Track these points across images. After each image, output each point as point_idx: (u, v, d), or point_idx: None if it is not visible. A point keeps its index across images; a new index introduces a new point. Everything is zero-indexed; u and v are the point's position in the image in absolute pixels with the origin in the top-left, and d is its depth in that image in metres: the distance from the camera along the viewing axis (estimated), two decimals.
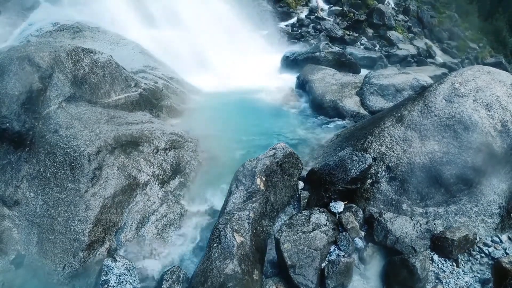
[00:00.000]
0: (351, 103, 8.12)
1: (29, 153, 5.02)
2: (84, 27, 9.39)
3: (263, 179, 4.83)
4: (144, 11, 11.01)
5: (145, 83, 7.21)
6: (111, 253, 4.53)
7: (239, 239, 4.00)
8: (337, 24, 17.15)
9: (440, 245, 4.34)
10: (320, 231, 4.28)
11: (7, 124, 4.95)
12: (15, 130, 4.97)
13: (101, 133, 5.29)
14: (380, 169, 5.05)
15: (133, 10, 10.82)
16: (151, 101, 6.97)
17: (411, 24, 19.25)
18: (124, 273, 4.00)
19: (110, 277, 3.93)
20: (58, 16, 9.56)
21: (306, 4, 18.61)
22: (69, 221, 4.59)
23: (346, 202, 4.85)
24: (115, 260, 4.07)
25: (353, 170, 4.74)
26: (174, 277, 4.07)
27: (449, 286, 4.11)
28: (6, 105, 4.97)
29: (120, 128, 5.62)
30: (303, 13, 17.87)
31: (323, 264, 4.09)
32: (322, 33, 16.07)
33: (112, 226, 4.75)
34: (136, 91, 6.76)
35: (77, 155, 4.92)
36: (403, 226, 4.44)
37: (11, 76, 5.13)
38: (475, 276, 4.20)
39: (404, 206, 4.78)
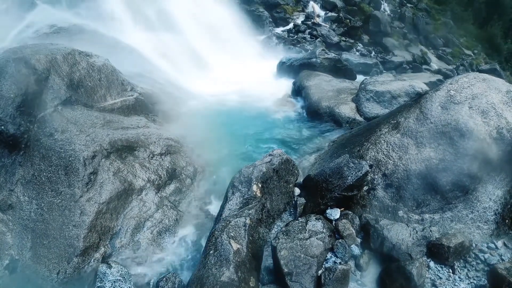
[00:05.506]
0: (347, 110, 8.13)
1: (24, 157, 4.97)
2: (81, 30, 9.35)
3: (260, 185, 4.82)
4: (142, 15, 11.01)
5: (141, 87, 7.19)
6: (106, 259, 4.49)
7: (235, 246, 3.97)
8: (333, 30, 17.27)
9: (436, 251, 4.36)
10: (316, 238, 4.27)
11: (2, 127, 4.90)
12: (10, 133, 4.93)
13: (97, 138, 5.26)
14: (376, 176, 5.06)
15: (130, 13, 10.81)
16: (147, 105, 6.94)
17: (406, 31, 19.41)
18: (119, 279, 3.96)
19: (105, 283, 3.89)
20: (55, 18, 9.52)
21: (303, 10, 18.71)
22: (64, 226, 4.54)
23: (343, 209, 4.85)
24: (110, 266, 4.03)
25: (349, 177, 4.74)
26: (169, 284, 4.05)
27: None
28: (1, 107, 4.93)
29: (116, 132, 5.59)
30: (300, 19, 17.96)
31: (320, 271, 4.09)
32: (318, 39, 16.17)
33: (107, 231, 4.70)
34: (132, 95, 6.73)
35: (72, 159, 4.88)
36: (400, 233, 4.45)
37: (6, 78, 5.09)
38: (471, 282, 4.22)
39: (400, 213, 4.79)
